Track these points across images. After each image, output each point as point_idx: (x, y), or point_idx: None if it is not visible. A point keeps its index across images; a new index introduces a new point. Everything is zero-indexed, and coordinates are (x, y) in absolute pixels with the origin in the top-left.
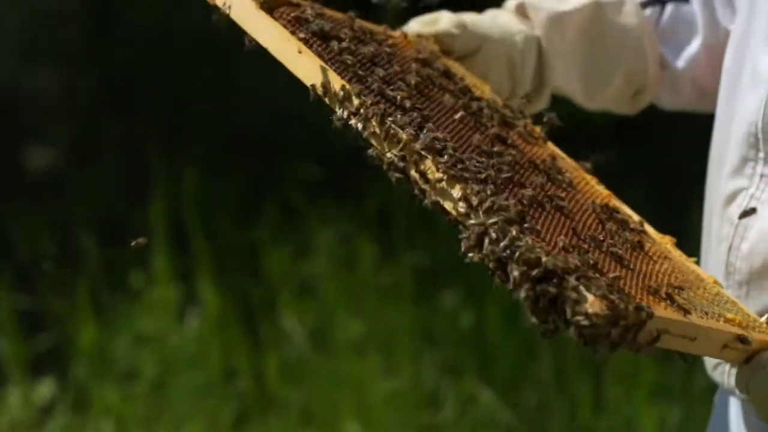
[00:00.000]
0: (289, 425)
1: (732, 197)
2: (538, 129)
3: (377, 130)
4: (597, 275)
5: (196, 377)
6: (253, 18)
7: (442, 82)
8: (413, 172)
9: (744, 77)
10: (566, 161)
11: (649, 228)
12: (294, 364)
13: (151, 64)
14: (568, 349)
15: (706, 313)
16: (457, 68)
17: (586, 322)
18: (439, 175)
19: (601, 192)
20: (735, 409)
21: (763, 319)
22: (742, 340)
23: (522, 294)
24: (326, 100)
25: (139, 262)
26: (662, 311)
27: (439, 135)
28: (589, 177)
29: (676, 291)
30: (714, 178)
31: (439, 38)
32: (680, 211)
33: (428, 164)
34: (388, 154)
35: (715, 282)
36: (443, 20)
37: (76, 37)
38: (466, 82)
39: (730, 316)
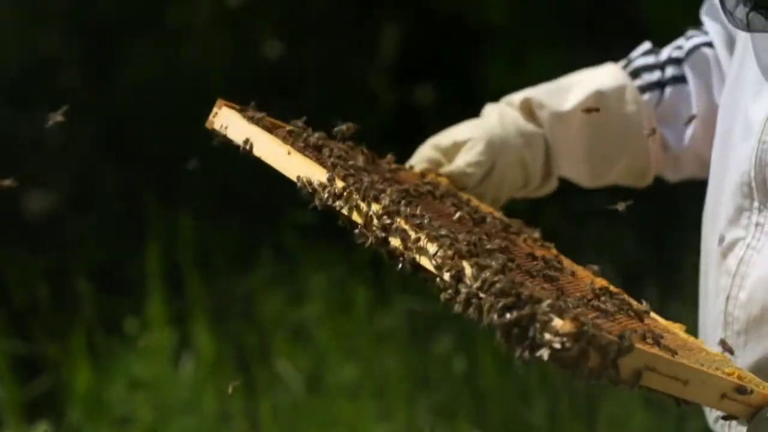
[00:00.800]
0: None
1: (729, 248)
2: (548, 245)
3: (360, 203)
4: (570, 305)
5: (190, 422)
6: (249, 132)
7: (445, 197)
8: (392, 238)
9: (736, 128)
10: (573, 265)
11: (656, 316)
12: (288, 408)
13: (149, 111)
14: (561, 394)
15: (702, 364)
16: (466, 196)
17: (556, 343)
18: (416, 235)
19: (608, 284)
20: None
21: None
22: (740, 390)
23: (494, 319)
24: (310, 189)
25: (134, 307)
26: (645, 347)
27: (417, 212)
28: (598, 279)
29: (666, 340)
30: (709, 231)
31: (453, 178)
32: (678, 256)
33: (401, 223)
34: (375, 222)
35: (723, 356)
36: (459, 159)
37: (76, 84)
38: (473, 203)
39: (728, 370)
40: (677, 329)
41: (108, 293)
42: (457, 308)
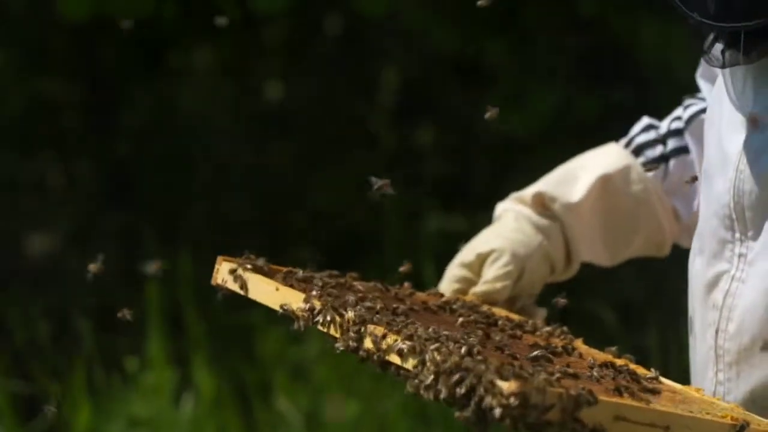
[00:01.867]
0: None
1: (714, 282)
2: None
3: (335, 317)
4: (516, 365)
5: None
6: (245, 279)
7: (460, 310)
8: (365, 341)
9: (715, 164)
10: (590, 351)
11: (666, 380)
12: None
13: (149, 153)
14: None
15: (692, 411)
16: (486, 308)
17: (502, 404)
18: (384, 334)
19: (620, 361)
20: None
21: None
22: (734, 428)
23: (442, 393)
24: (291, 314)
25: (134, 346)
26: (611, 398)
27: (393, 318)
28: (620, 359)
29: (657, 395)
30: (694, 268)
31: (486, 297)
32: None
33: (372, 328)
34: (350, 333)
35: (736, 406)
36: (487, 274)
37: (77, 127)
38: (493, 311)
39: (721, 414)
40: (692, 390)
41: (108, 332)
42: (424, 394)
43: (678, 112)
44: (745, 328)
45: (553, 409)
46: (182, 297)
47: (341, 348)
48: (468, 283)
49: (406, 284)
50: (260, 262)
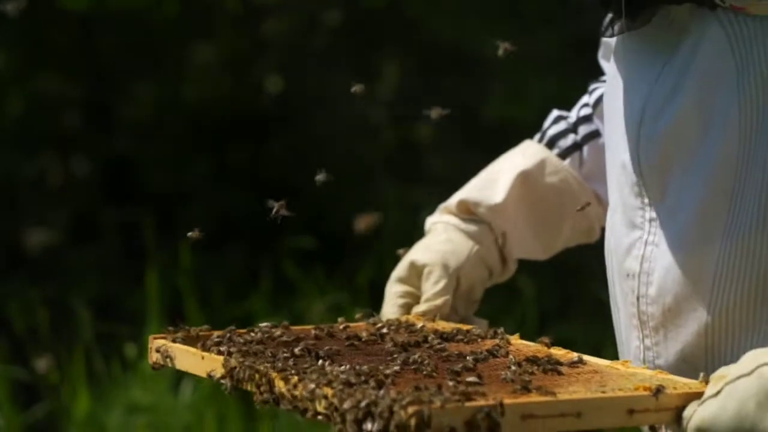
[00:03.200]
0: None
1: (629, 250)
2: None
3: (252, 374)
4: (422, 386)
5: None
6: (172, 353)
7: (388, 336)
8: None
9: (617, 135)
10: (522, 345)
11: (592, 359)
12: (287, 431)
13: (149, 148)
14: None
15: (604, 391)
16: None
17: (403, 429)
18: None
19: (550, 351)
20: None
21: (700, 378)
22: (644, 400)
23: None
24: (215, 380)
25: (134, 334)
26: (518, 398)
27: (298, 353)
28: (548, 349)
29: (555, 387)
30: (611, 242)
31: (429, 314)
32: None
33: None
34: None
35: (659, 372)
36: (425, 294)
37: (76, 125)
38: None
39: (635, 386)
40: (620, 364)
41: (107, 321)
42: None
43: (585, 99)
44: (666, 289)
45: (455, 426)
46: (182, 285)
47: (258, 405)
48: (411, 297)
49: (339, 320)
50: (191, 331)
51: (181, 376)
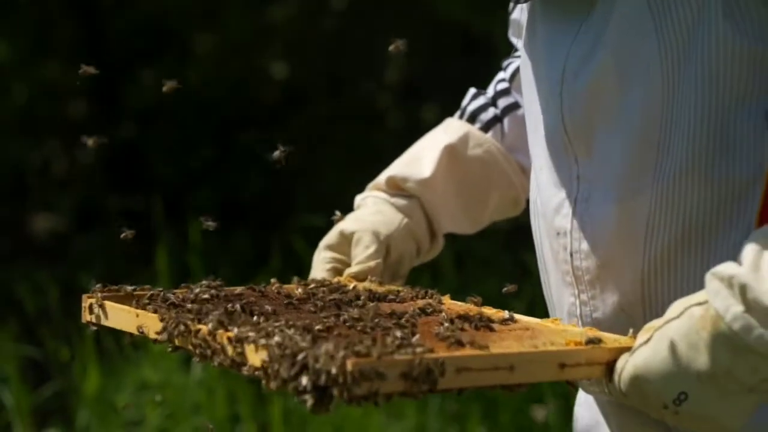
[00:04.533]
0: None
1: (558, 209)
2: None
3: (183, 331)
4: (356, 340)
5: (201, 422)
6: (111, 312)
7: (324, 297)
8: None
9: (540, 100)
10: (455, 305)
11: (523, 317)
12: (298, 411)
13: (157, 133)
14: (573, 391)
15: (536, 345)
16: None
17: (338, 381)
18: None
19: (481, 310)
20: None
21: (629, 333)
22: (573, 354)
23: (287, 381)
24: (142, 334)
25: None
26: (452, 352)
27: (236, 310)
28: (477, 308)
29: (487, 342)
30: (537, 204)
31: (360, 276)
32: None
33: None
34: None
35: (589, 329)
36: (356, 257)
37: (82, 112)
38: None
39: (566, 341)
40: (550, 322)
41: None
42: (273, 386)
43: (500, 75)
44: (600, 242)
45: (392, 378)
46: (191, 263)
47: (196, 359)
48: (339, 263)
49: (272, 280)
50: (123, 290)
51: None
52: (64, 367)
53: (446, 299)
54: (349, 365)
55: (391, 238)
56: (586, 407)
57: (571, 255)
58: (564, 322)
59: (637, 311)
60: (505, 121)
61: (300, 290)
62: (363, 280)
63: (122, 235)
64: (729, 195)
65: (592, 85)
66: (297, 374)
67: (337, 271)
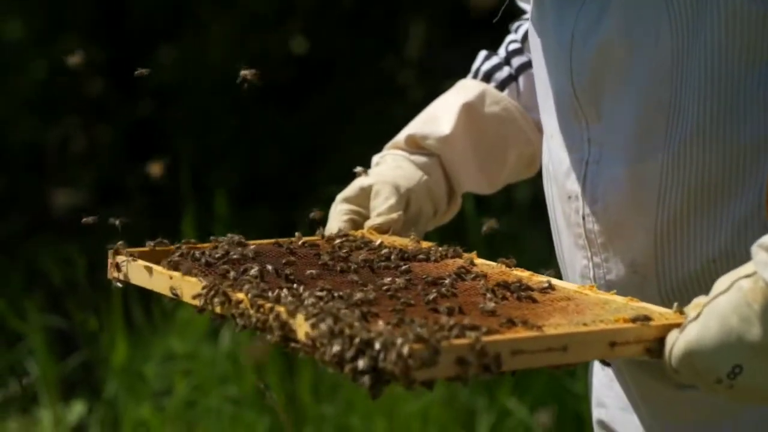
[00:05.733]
0: None
1: (568, 173)
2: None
3: (225, 300)
4: (417, 322)
5: (228, 393)
6: (141, 271)
7: (340, 260)
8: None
9: (549, 64)
10: (483, 265)
11: (559, 283)
12: (327, 380)
13: (177, 109)
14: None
15: (586, 324)
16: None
17: (401, 366)
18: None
19: (514, 274)
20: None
21: (674, 308)
22: (628, 331)
23: (343, 363)
24: (183, 299)
25: None
26: (505, 333)
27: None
28: (511, 270)
29: (537, 319)
30: (549, 168)
31: (381, 228)
32: None
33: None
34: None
35: (630, 299)
36: (376, 208)
37: (100, 90)
38: (386, 242)
39: (615, 317)
40: (587, 289)
41: None
42: (328, 365)
43: (511, 37)
44: (612, 205)
45: (449, 363)
46: (217, 234)
47: (237, 329)
48: (358, 215)
49: (297, 234)
50: (148, 246)
51: (219, 324)
52: (91, 338)
53: (476, 258)
54: (410, 352)
55: (411, 192)
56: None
57: (583, 218)
58: (577, 284)
59: (650, 272)
60: (520, 79)
61: (326, 246)
62: (385, 232)
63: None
64: (740, 156)
65: (601, 50)
66: (354, 357)
67: (355, 223)
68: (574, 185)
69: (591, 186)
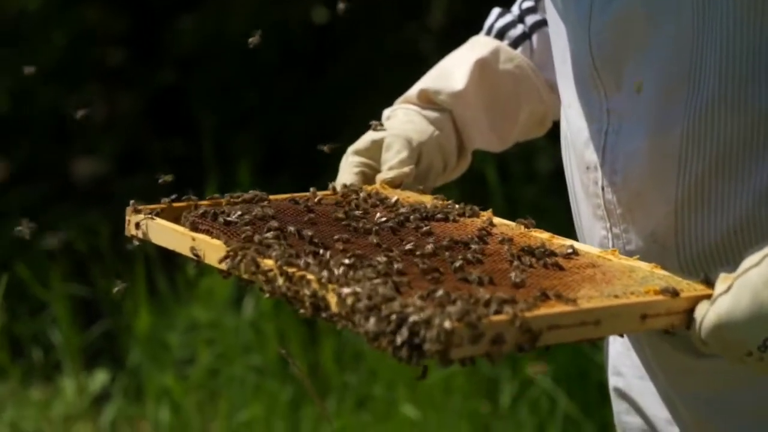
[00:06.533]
0: (345, 409)
1: (587, 143)
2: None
3: (254, 267)
4: (454, 296)
5: (251, 362)
6: (161, 230)
7: (362, 217)
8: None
9: (568, 33)
10: (502, 226)
11: (582, 248)
12: (349, 348)
13: (198, 80)
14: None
15: (617, 296)
16: (396, 197)
17: (441, 342)
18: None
19: (536, 236)
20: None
21: (701, 277)
22: (659, 303)
23: (384, 343)
24: (205, 261)
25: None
26: (540, 309)
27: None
28: (530, 232)
29: (569, 291)
30: (567, 137)
31: (394, 182)
32: None
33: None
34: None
35: (654, 266)
36: (388, 161)
37: (121, 60)
38: (402, 199)
39: (644, 289)
40: (609, 254)
41: None
42: (363, 337)
43: None
44: (632, 175)
45: (487, 340)
46: None
47: (266, 295)
48: (368, 168)
49: (312, 189)
50: (165, 203)
51: (242, 293)
52: (114, 306)
53: (493, 217)
54: (452, 329)
55: (423, 145)
56: None
57: (602, 189)
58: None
59: (670, 242)
60: (534, 37)
61: (343, 203)
62: (398, 186)
63: (160, 180)
64: (760, 124)
65: (620, 19)
66: (392, 332)
67: (365, 176)
68: (592, 156)
69: (610, 157)
